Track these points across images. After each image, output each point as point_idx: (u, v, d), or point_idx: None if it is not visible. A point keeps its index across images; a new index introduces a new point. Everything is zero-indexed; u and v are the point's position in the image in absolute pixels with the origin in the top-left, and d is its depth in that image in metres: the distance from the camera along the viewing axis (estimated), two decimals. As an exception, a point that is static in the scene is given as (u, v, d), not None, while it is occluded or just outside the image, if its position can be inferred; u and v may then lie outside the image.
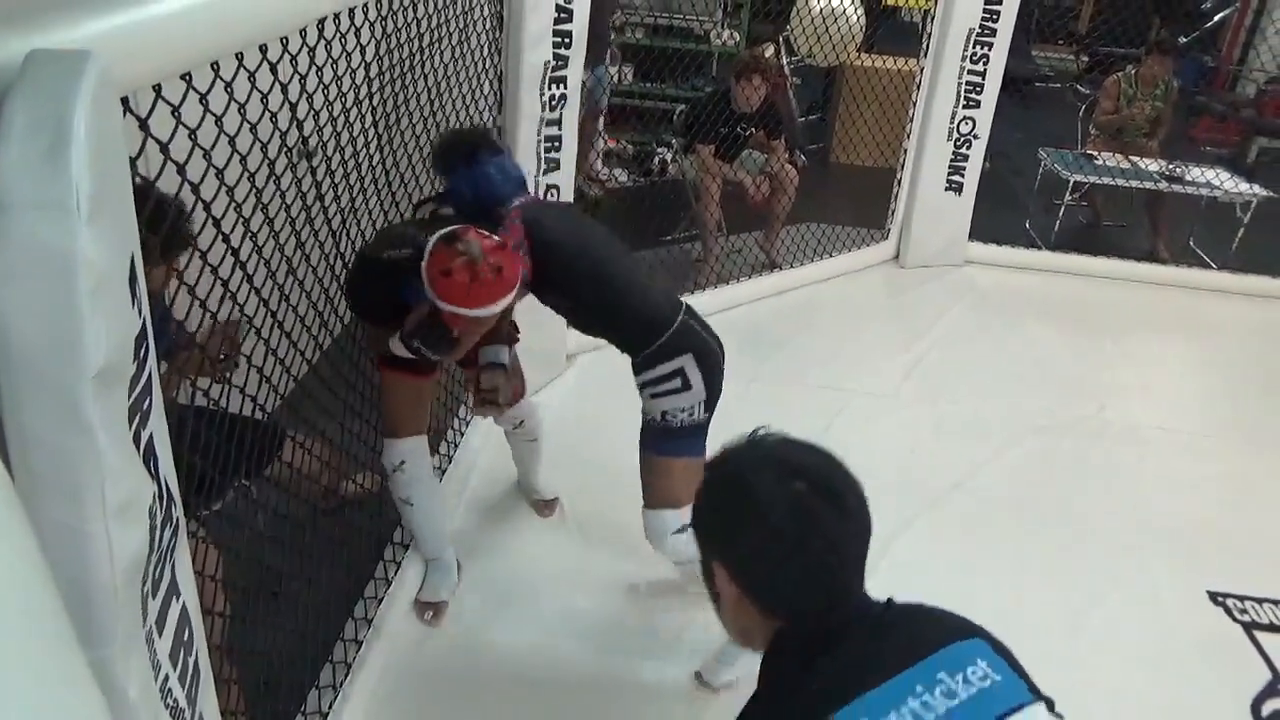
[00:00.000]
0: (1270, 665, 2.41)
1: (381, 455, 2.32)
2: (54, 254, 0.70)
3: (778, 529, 1.02)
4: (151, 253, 1.14)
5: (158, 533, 0.98)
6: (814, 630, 1.04)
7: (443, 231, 1.86)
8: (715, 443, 2.26)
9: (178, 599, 1.10)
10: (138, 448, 0.90)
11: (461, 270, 1.79)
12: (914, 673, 1.00)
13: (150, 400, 0.98)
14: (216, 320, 1.56)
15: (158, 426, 1.03)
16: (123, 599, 0.87)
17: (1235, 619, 2.56)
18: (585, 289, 2.10)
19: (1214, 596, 2.64)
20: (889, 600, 1.09)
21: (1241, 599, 2.62)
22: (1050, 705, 1.08)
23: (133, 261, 0.87)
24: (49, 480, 0.76)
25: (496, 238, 1.90)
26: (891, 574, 2.61)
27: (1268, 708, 2.30)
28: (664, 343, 2.05)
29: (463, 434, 3.00)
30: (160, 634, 1.03)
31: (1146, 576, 2.70)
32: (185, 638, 1.12)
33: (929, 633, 1.06)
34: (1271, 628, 2.53)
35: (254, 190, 1.56)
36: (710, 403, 2.10)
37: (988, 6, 4.11)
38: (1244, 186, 4.85)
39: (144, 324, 0.93)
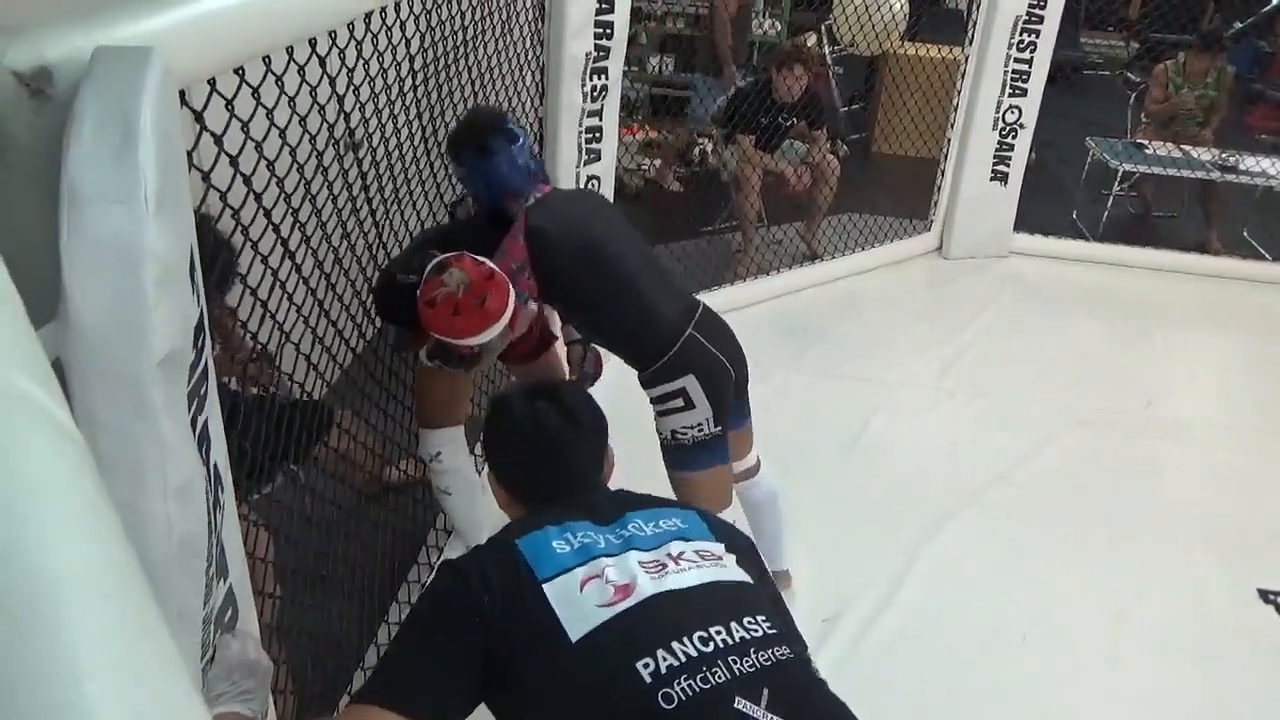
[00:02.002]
0: (1321, 665, 2.37)
1: (418, 446, 2.36)
2: (123, 246, 0.73)
3: (517, 433, 1.35)
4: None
5: (210, 515, 1.01)
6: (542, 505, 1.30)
7: (436, 260, 1.90)
8: (760, 436, 2.29)
9: (224, 580, 1.13)
10: (193, 432, 0.93)
11: (444, 302, 1.86)
12: (609, 522, 1.24)
13: (206, 386, 1.01)
14: (255, 342, 1.61)
15: (212, 412, 1.06)
16: (178, 578, 0.90)
17: (1286, 617, 2.52)
18: (586, 307, 2.09)
19: (1264, 594, 2.59)
20: (623, 489, 1.36)
21: (1292, 597, 2.57)
22: (748, 561, 1.27)
23: (192, 252, 0.90)
24: (114, 461, 0.79)
25: (489, 264, 1.90)
26: (931, 565, 2.62)
27: (1318, 708, 2.26)
28: (666, 362, 2.01)
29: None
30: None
31: (1194, 573, 2.66)
32: (227, 618, 1.15)
33: (640, 500, 1.32)
34: (1324, 627, 2.48)
35: (303, 181, 1.59)
36: (720, 416, 2.05)
37: (1035, -7, 4.04)
38: (1301, 175, 4.73)
39: (202, 313, 0.96)
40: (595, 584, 1.14)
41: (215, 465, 1.08)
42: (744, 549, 1.29)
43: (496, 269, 1.89)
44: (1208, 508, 2.93)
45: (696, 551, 1.21)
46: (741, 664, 1.09)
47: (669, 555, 1.19)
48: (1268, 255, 4.69)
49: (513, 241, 1.96)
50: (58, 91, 0.81)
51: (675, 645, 1.09)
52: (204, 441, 1.02)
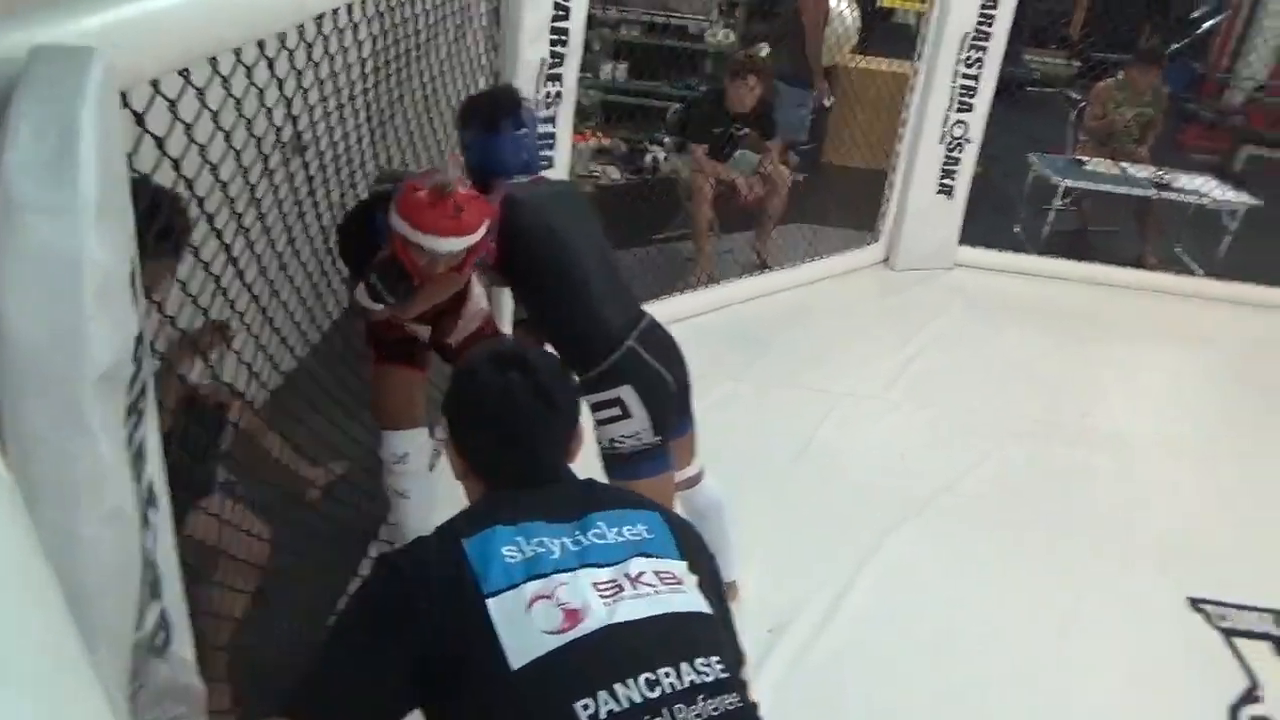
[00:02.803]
0: (1248, 672, 2.44)
1: (380, 449, 2.31)
2: (62, 258, 0.69)
3: (484, 404, 1.23)
4: (150, 249, 1.13)
5: (142, 537, 0.97)
6: (501, 487, 1.22)
7: (424, 171, 1.89)
8: (708, 445, 2.29)
9: (157, 602, 1.09)
10: (129, 450, 0.90)
11: (428, 194, 1.83)
12: (569, 521, 1.15)
13: (145, 401, 0.98)
14: (208, 318, 1.56)
15: (151, 427, 1.02)
16: (109, 604, 0.86)
17: (1215, 626, 2.59)
18: (538, 293, 2.08)
19: (1194, 603, 2.66)
20: (591, 480, 1.29)
21: (1221, 605, 2.65)
22: (710, 587, 1.20)
23: (132, 262, 0.87)
24: (47, 482, 0.75)
25: (476, 192, 1.91)
26: (877, 576, 2.64)
27: (1245, 714, 2.33)
28: (603, 370, 2.01)
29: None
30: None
31: (1129, 582, 2.72)
32: (159, 641, 1.11)
33: (606, 499, 1.23)
34: (1250, 634, 2.56)
35: (249, 186, 1.55)
36: (659, 426, 2.05)
37: (983, 10, 4.12)
38: (1232, 194, 4.89)
39: (140, 324, 0.92)
40: (544, 606, 1.06)
41: (150, 483, 1.04)
42: (706, 566, 1.22)
43: (480, 197, 1.90)
44: (1142, 518, 3.01)
45: (657, 573, 1.13)
46: (688, 713, 1.03)
47: (627, 576, 1.11)
48: (1199, 270, 4.84)
49: (490, 204, 1.97)
50: (-11, 93, 0.77)
51: (619, 688, 1.02)
52: (140, 459, 0.98)
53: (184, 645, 1.17)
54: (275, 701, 1.12)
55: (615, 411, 2.01)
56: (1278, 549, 2.91)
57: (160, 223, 1.23)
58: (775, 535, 2.71)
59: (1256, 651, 2.50)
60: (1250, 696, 2.36)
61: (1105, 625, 2.56)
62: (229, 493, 2.00)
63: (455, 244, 1.87)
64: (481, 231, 1.89)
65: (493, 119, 2.06)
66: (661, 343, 2.09)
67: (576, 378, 2.02)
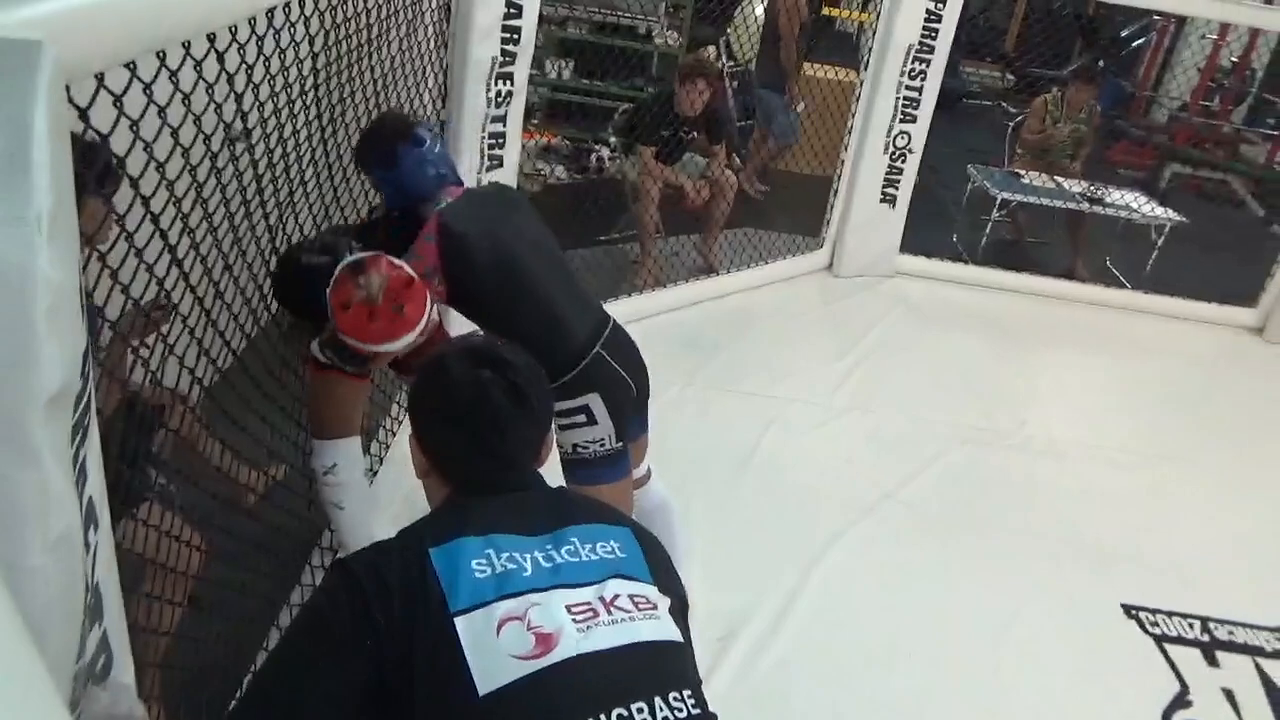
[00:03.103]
0: (1179, 677, 2.52)
1: (310, 458, 2.23)
2: (12, 273, 0.63)
3: (455, 402, 1.17)
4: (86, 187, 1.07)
5: (85, 561, 0.91)
6: (469, 491, 1.16)
7: (351, 260, 1.80)
8: (654, 450, 2.28)
9: (98, 625, 1.03)
10: (74, 469, 0.84)
11: (360, 307, 1.77)
12: (542, 534, 1.10)
13: (89, 417, 0.92)
14: (137, 304, 1.47)
15: (92, 443, 0.96)
16: (53, 634, 0.81)
17: (1147, 631, 2.67)
18: (495, 315, 2.01)
19: (1128, 609, 2.74)
20: (561, 488, 1.25)
21: (1153, 612, 2.73)
22: (679, 611, 1.17)
23: (79, 274, 0.81)
24: (-10, 512, 0.70)
25: (407, 269, 1.82)
26: (823, 582, 2.66)
27: (1177, 718, 2.40)
28: (569, 380, 1.97)
29: (394, 434, 2.93)
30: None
31: (1065, 588, 2.79)
32: (99, 666, 1.04)
33: (579, 512, 1.18)
34: (1181, 640, 2.64)
35: (195, 184, 1.48)
36: (621, 434, 2.04)
37: (927, 24, 4.18)
38: (1159, 211, 5.06)
39: (87, 337, 0.86)
40: (515, 628, 1.00)
41: (90, 501, 0.97)
42: (674, 588, 1.19)
43: (415, 275, 1.81)
44: (1078, 525, 3.08)
45: (632, 597, 1.08)
46: None
47: (602, 600, 1.06)
48: (1128, 284, 4.99)
49: (424, 244, 1.88)
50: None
51: None
52: (81, 477, 0.92)
53: (124, 670, 1.10)
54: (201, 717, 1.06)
55: (580, 419, 1.98)
56: (1208, 557, 3.01)
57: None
58: (721, 541, 2.70)
59: (1187, 657, 2.58)
60: (1181, 701, 2.44)
61: (1043, 630, 2.62)
62: (164, 500, 1.92)
63: (408, 339, 1.82)
64: (429, 310, 1.83)
65: (390, 151, 1.99)
66: (625, 347, 2.08)
67: None
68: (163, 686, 1.71)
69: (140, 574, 1.67)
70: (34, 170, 0.66)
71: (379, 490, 2.61)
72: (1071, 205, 4.99)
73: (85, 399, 0.88)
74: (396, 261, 1.81)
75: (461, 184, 2.12)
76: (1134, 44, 8.18)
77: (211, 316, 1.74)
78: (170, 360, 1.65)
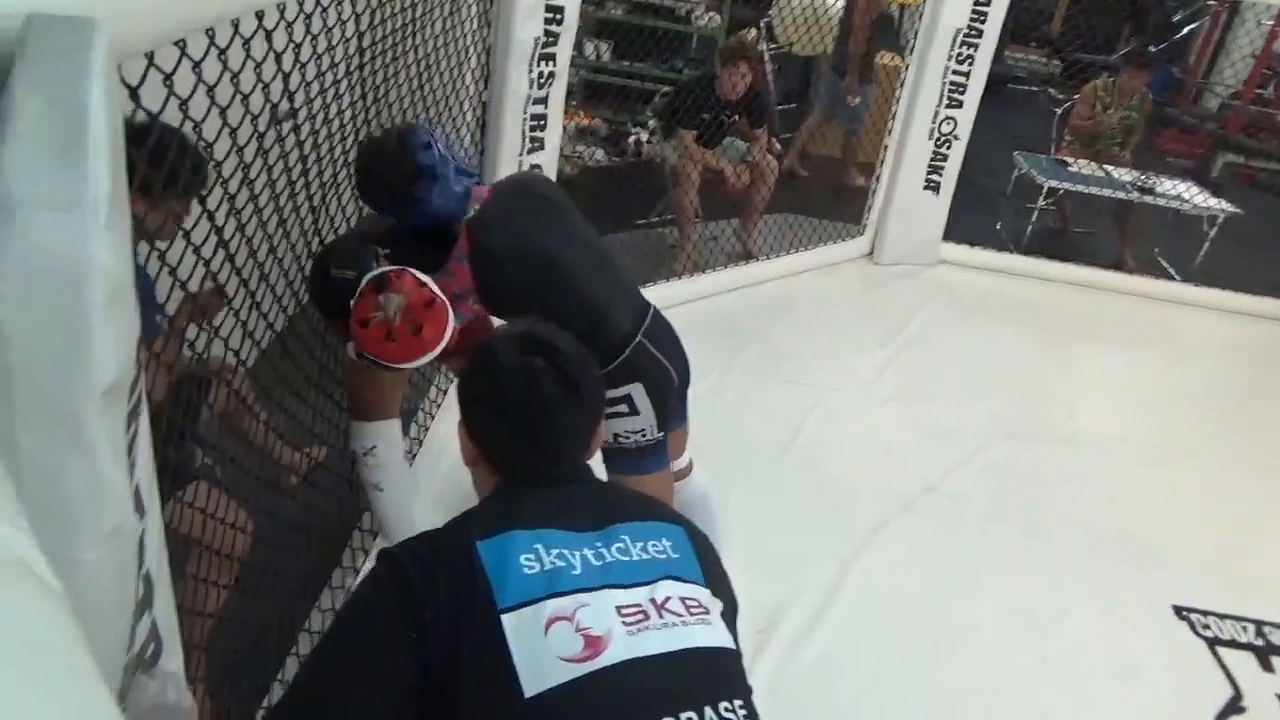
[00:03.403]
0: (1232, 682, 2.45)
1: (350, 440, 2.23)
2: (66, 261, 0.61)
3: (504, 390, 1.14)
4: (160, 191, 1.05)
5: (138, 552, 0.89)
6: (518, 483, 1.14)
7: (375, 274, 1.78)
8: (693, 438, 2.25)
9: (148, 613, 1.02)
10: (128, 459, 0.82)
11: (378, 326, 1.76)
12: (591, 531, 1.07)
13: (140, 402, 0.90)
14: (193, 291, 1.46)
15: (143, 427, 0.94)
16: (105, 628, 0.79)
17: (1199, 634, 2.60)
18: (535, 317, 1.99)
19: (1179, 611, 2.67)
20: (612, 482, 1.22)
21: (1205, 614, 2.66)
22: (730, 615, 1.14)
23: (134, 259, 0.79)
24: (41, 505, 0.67)
25: (431, 288, 1.78)
26: (864, 576, 2.62)
27: (1228, 724, 2.33)
28: (612, 370, 1.92)
29: (434, 416, 2.92)
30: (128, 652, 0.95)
31: (1113, 588, 2.72)
32: (149, 654, 1.03)
33: (631, 508, 1.15)
34: (1234, 644, 2.57)
35: (242, 165, 1.46)
36: (663, 422, 2.00)
37: (976, 7, 4.08)
38: (1211, 201, 4.92)
39: (138, 323, 0.84)
40: (563, 628, 0.97)
41: (140, 487, 0.96)
42: (726, 589, 1.15)
43: (438, 294, 1.78)
44: (1126, 523, 3.01)
45: (684, 600, 1.05)
46: None
47: (653, 601, 1.03)
48: (1177, 276, 4.87)
49: (458, 265, 1.84)
50: (-20, 66, 0.69)
51: None
52: (132, 463, 0.91)
53: (172, 658, 1.09)
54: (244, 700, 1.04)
55: (622, 409, 1.95)
56: (1262, 557, 2.92)
57: (167, 163, 1.13)
58: (761, 532, 2.67)
59: (1240, 661, 2.51)
60: (1234, 707, 2.37)
61: (1089, 630, 2.55)
62: (209, 479, 1.92)
63: (428, 358, 1.81)
64: (450, 330, 1.80)
65: (403, 193, 1.87)
66: (666, 335, 2.04)
67: None
68: (207, 669, 1.72)
69: (185, 555, 1.67)
70: (90, 154, 0.63)
71: (418, 472, 2.60)
72: (1121, 194, 4.87)
73: (137, 386, 0.86)
74: (421, 278, 1.79)
75: (481, 181, 2.03)
76: (1185, 29, 7.96)
77: (255, 297, 1.73)
78: (214, 338, 1.64)
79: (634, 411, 1.97)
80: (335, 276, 1.87)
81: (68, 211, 0.61)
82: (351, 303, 1.78)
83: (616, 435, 2.00)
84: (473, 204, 1.92)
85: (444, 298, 1.78)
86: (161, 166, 1.12)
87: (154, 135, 1.03)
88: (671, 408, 2.06)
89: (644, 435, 2.00)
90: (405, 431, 2.57)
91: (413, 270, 1.78)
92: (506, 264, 1.87)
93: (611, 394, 1.96)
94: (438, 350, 1.81)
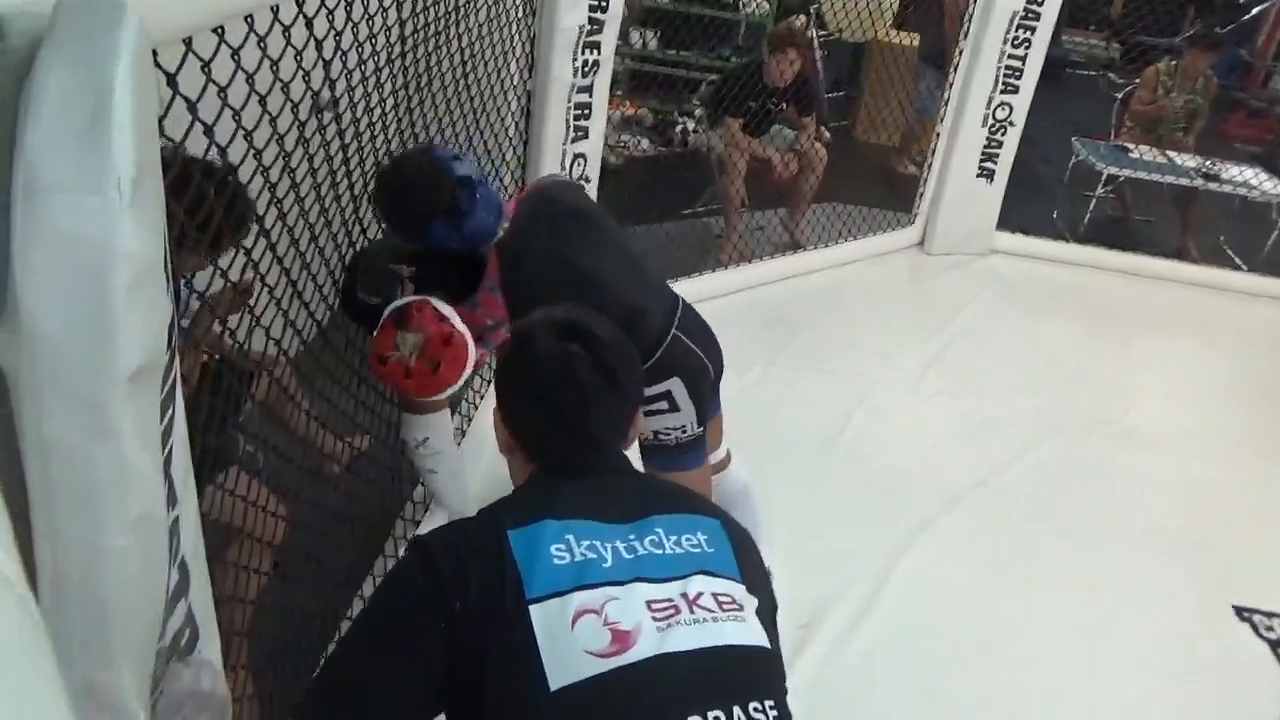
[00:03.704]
0: (1296, 687, 2.36)
1: (402, 430, 2.25)
2: (90, 244, 0.60)
3: (540, 377, 1.12)
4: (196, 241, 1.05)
5: (170, 540, 0.89)
6: (554, 472, 1.12)
7: (397, 306, 1.78)
8: (737, 431, 2.21)
9: (183, 600, 1.02)
10: (162, 447, 0.82)
11: (396, 364, 1.77)
12: (625, 523, 1.05)
13: (175, 389, 0.90)
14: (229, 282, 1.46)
15: (178, 417, 0.94)
16: (134, 615, 0.79)
17: (1261, 635, 2.51)
18: None
19: (1240, 612, 2.58)
20: (649, 474, 1.19)
21: (1269, 615, 2.57)
22: (767, 613, 1.10)
23: (165, 240, 0.78)
24: (67, 491, 0.67)
25: (451, 323, 1.76)
26: (910, 572, 2.57)
27: (1293, 731, 2.25)
28: (650, 367, 1.88)
29: (477, 406, 2.93)
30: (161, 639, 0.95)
31: (1170, 588, 2.64)
32: (184, 641, 1.03)
33: (666, 500, 1.12)
34: (1298, 648, 2.48)
35: (283, 153, 1.46)
36: (702, 417, 1.97)
37: (1034, -12, 3.96)
38: (1280, 188, 4.74)
39: (173, 308, 0.84)
40: (591, 621, 0.95)
41: (175, 475, 0.95)
42: (764, 586, 1.12)
43: (457, 329, 1.77)
44: (1184, 521, 2.91)
45: (716, 595, 1.02)
46: None
47: (684, 596, 1.00)
48: (1243, 266, 4.70)
49: (488, 297, 1.82)
50: (10, 49, 0.68)
51: None
52: (168, 451, 0.91)
53: (209, 646, 1.10)
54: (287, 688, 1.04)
55: (662, 406, 1.92)
56: (1328, 560, 2.81)
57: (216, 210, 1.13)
58: (804, 526, 2.63)
59: (1306, 667, 2.42)
60: (1297, 714, 2.29)
61: (1145, 630, 2.48)
62: (250, 468, 1.94)
63: (447, 394, 1.83)
64: (470, 366, 1.81)
65: (428, 223, 1.78)
66: (698, 326, 2.01)
67: None
68: (249, 656, 1.74)
69: (224, 542, 1.69)
70: (115, 136, 0.62)
71: (464, 451, 2.58)
72: (1184, 181, 4.71)
73: (171, 373, 0.86)
74: (442, 311, 1.78)
75: (509, 200, 1.94)
76: (1254, 9, 7.67)
77: (297, 286, 1.74)
78: (256, 329, 1.65)
79: (674, 408, 1.95)
80: (362, 299, 1.88)
81: (91, 194, 0.60)
82: (374, 334, 1.80)
83: (657, 433, 1.98)
84: (502, 223, 1.87)
85: (463, 332, 1.78)
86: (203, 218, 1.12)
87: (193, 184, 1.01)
88: (708, 398, 2.03)
89: (684, 431, 1.98)
90: (453, 413, 2.57)
91: (434, 302, 1.78)
92: (537, 287, 1.80)
93: (651, 391, 1.94)
94: (457, 386, 1.83)
